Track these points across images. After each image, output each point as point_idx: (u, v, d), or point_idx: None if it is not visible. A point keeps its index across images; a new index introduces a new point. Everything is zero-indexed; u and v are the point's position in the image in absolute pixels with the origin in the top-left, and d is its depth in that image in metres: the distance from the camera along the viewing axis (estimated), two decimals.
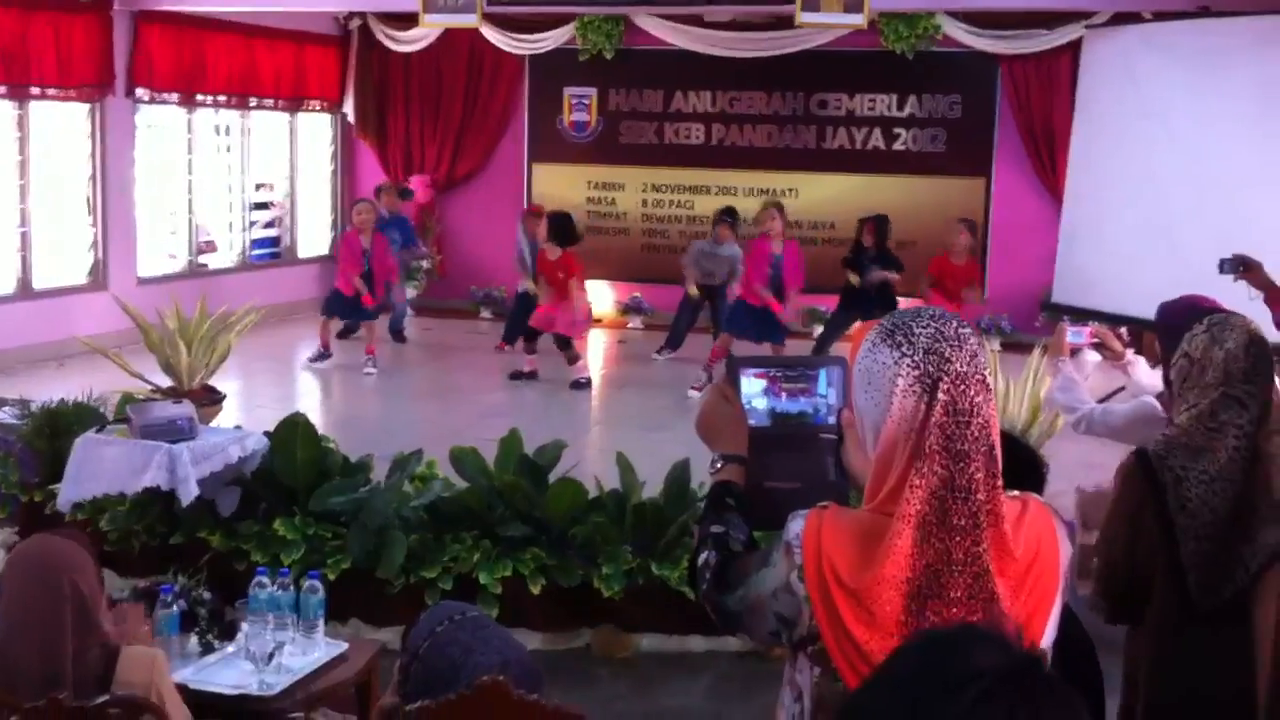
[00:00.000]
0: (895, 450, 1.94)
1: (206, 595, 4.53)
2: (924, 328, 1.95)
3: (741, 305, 10.63)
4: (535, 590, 5.76)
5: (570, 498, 5.99)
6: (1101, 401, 4.86)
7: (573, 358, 10.84)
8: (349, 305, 11.30)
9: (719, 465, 2.25)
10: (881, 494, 1.95)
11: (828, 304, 12.26)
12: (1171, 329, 4.45)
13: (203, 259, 13.40)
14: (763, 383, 2.27)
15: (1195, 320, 4.27)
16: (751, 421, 2.26)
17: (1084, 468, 7.01)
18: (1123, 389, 4.91)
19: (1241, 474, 2.95)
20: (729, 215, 11.63)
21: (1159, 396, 4.48)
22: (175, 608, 4.33)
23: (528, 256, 11.82)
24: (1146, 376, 4.80)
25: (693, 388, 10.35)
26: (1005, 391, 6.57)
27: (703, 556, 2.14)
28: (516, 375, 10.90)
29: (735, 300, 10.81)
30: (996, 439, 1.95)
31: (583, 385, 10.79)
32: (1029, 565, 1.95)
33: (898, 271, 10.92)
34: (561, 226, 10.89)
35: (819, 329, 12.67)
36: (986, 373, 1.96)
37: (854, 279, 10.93)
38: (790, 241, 10.75)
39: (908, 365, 1.94)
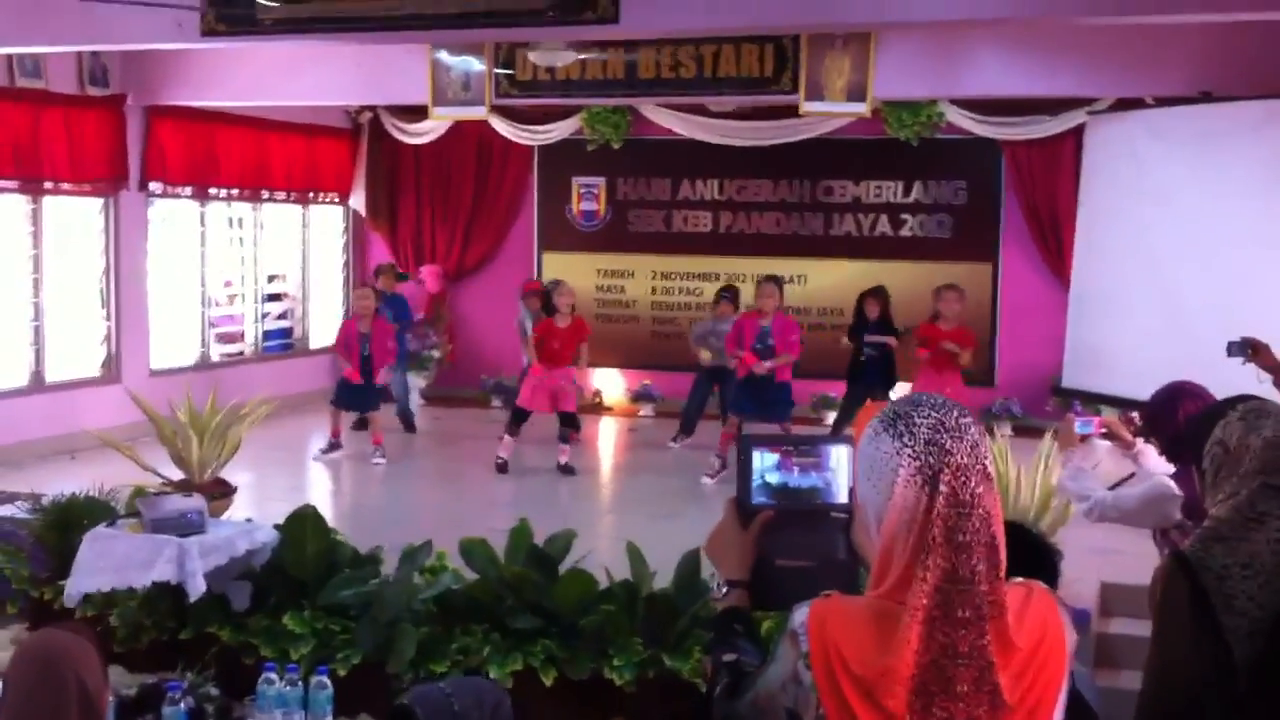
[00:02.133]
0: (898, 540, 1.96)
1: (214, 692, 4.52)
2: (925, 418, 1.98)
3: (740, 384, 10.64)
4: (547, 682, 5.72)
5: (580, 589, 5.96)
6: (1112, 488, 4.85)
7: (565, 436, 10.82)
8: (356, 395, 11.33)
9: (724, 591, 2.27)
10: (886, 583, 1.97)
11: (839, 390, 12.26)
12: (1159, 417, 4.52)
13: (219, 350, 13.49)
14: (775, 457, 2.29)
15: (1178, 405, 4.34)
16: (762, 498, 2.27)
17: (1097, 554, 6.98)
18: (1133, 475, 4.91)
19: None
20: (728, 292, 11.84)
21: (1173, 476, 4.48)
22: (183, 705, 4.31)
23: (529, 329, 11.90)
24: (1157, 464, 4.80)
25: (706, 475, 10.31)
26: (1016, 478, 6.55)
27: (719, 687, 2.15)
28: (503, 466, 10.83)
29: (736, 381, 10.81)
30: (998, 530, 1.96)
31: (568, 470, 10.71)
32: (1033, 652, 1.96)
33: (896, 338, 11.03)
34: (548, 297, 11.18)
35: (831, 414, 12.68)
36: (988, 462, 1.98)
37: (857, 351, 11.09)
38: (780, 314, 10.72)
39: (908, 456, 1.96)
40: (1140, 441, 4.86)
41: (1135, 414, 5.11)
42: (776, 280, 11.01)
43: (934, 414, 1.98)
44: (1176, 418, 4.37)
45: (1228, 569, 2.88)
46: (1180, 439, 4.36)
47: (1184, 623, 2.91)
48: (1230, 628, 2.85)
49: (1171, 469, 4.63)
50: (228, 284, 13.63)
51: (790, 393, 10.69)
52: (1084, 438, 5.02)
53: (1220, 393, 4.01)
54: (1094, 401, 10.64)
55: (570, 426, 10.92)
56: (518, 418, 10.89)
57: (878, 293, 11.31)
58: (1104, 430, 4.99)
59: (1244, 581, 2.86)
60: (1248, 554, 2.88)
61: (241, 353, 13.78)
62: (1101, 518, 4.79)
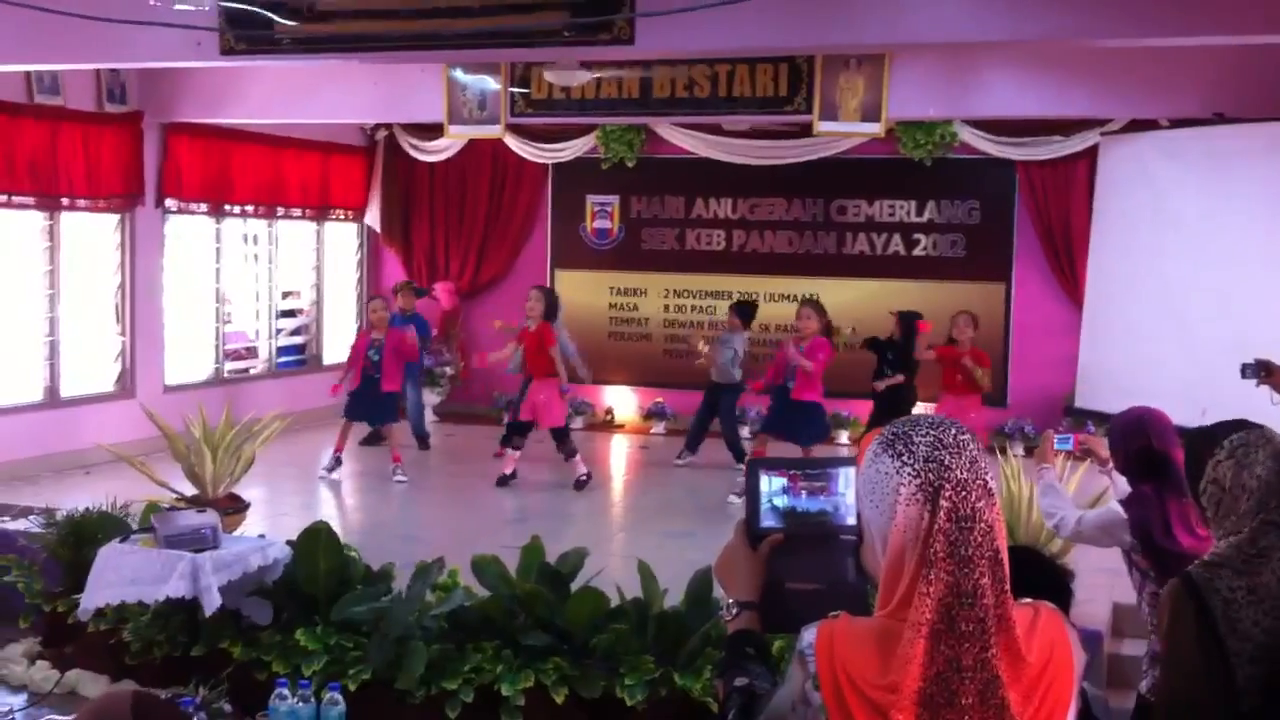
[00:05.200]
0: (903, 558, 1.97)
1: (227, 708, 4.54)
2: (923, 436, 2.00)
3: (772, 402, 10.65)
4: (558, 700, 5.72)
5: (592, 606, 5.96)
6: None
7: (570, 452, 10.84)
8: (364, 406, 11.30)
9: (735, 612, 2.26)
10: (893, 601, 1.98)
11: (850, 408, 12.25)
12: (1116, 448, 4.62)
13: (232, 366, 13.53)
14: (783, 481, 2.29)
15: (1133, 444, 4.44)
16: (770, 522, 2.27)
17: (1108, 575, 6.94)
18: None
19: None
20: (739, 308, 11.74)
21: (1122, 500, 4.57)
22: None
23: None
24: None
25: (734, 494, 10.26)
26: (1029, 498, 6.55)
27: (731, 713, 2.15)
28: (503, 481, 10.81)
29: (774, 398, 10.71)
30: (1001, 544, 1.97)
31: (584, 483, 10.77)
32: (1041, 671, 1.97)
33: (907, 376, 10.71)
34: (550, 298, 11.09)
35: (843, 433, 12.69)
36: (988, 477, 1.99)
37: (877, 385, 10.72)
38: (816, 338, 10.52)
39: (909, 474, 1.98)
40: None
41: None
42: (812, 303, 10.81)
43: (932, 432, 2.00)
44: (1130, 453, 4.53)
45: (1234, 593, 2.91)
46: (1130, 470, 4.56)
47: (1191, 643, 2.94)
48: (1234, 650, 2.87)
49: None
50: (225, 301, 13.54)
51: (819, 415, 10.59)
52: (1061, 453, 5.20)
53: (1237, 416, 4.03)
54: (1106, 422, 10.62)
55: (556, 442, 10.93)
56: (517, 430, 10.93)
57: (903, 317, 10.91)
58: (1083, 447, 5.14)
59: (1249, 607, 2.89)
60: (1252, 580, 2.91)
61: (247, 371, 13.72)
62: (1066, 535, 4.97)
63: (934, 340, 10.76)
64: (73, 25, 7.82)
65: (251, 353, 13.86)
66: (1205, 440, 3.21)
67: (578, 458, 10.86)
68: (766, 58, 10.88)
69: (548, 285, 11.90)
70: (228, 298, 13.56)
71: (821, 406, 10.64)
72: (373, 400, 11.25)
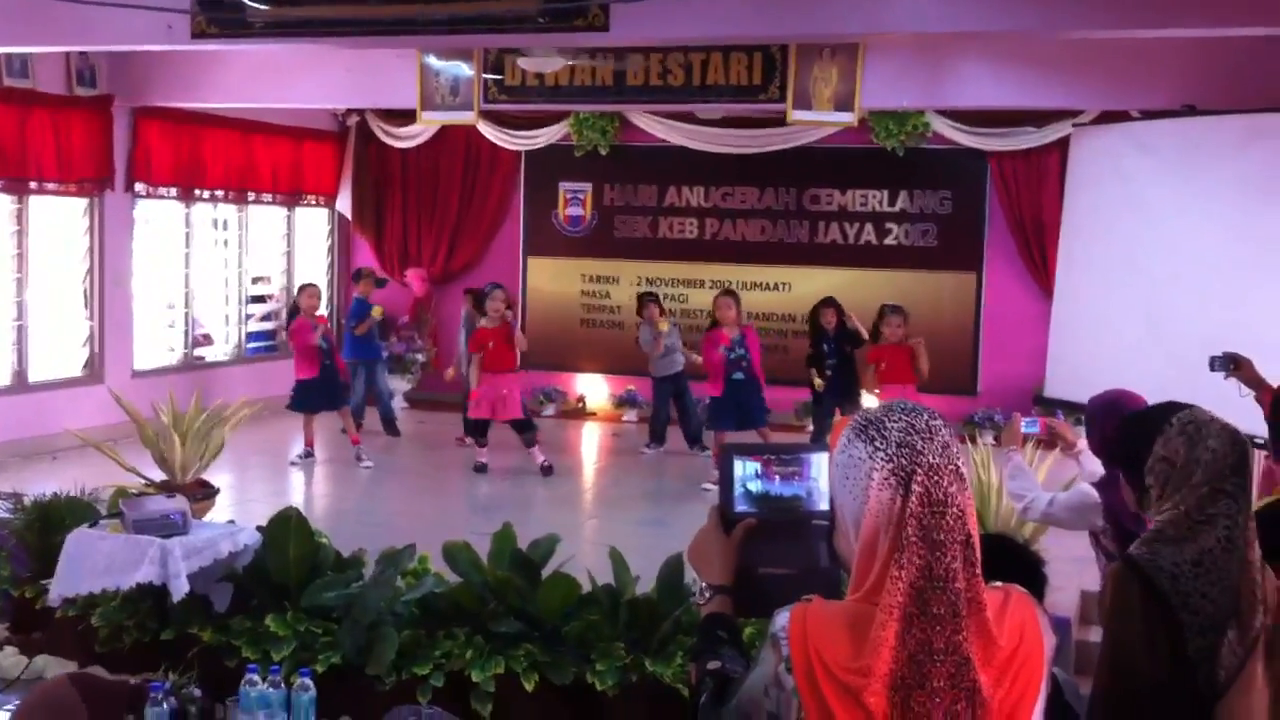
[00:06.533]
0: (876, 542, 1.98)
1: (197, 693, 4.51)
2: (895, 422, 2.01)
3: (714, 400, 10.70)
4: (528, 687, 5.72)
5: (563, 593, 5.96)
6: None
7: (531, 440, 10.90)
8: (320, 395, 11.21)
9: (708, 596, 2.27)
10: (866, 585, 1.99)
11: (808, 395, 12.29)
12: (1091, 426, 4.67)
13: (199, 352, 13.44)
14: (757, 465, 2.30)
15: (1110, 419, 4.48)
16: (744, 507, 2.28)
17: (1077, 563, 6.99)
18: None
19: (1235, 563, 2.96)
20: (651, 296, 12.09)
21: (1095, 483, 4.61)
22: (165, 705, 4.31)
23: (463, 339, 12.03)
24: (1097, 466, 4.93)
25: (709, 483, 10.27)
26: (998, 487, 6.59)
27: (705, 696, 2.16)
28: (480, 468, 10.93)
29: (709, 398, 10.87)
30: (973, 529, 1.99)
31: (549, 470, 10.81)
32: (1012, 653, 1.98)
33: (858, 344, 11.10)
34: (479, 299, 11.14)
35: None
36: (960, 463, 2.01)
37: (818, 382, 11.19)
38: (746, 327, 10.91)
39: (881, 459, 1.99)
40: (1081, 443, 5.00)
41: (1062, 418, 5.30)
42: (733, 293, 11.07)
43: (904, 418, 2.01)
44: (1106, 430, 4.53)
45: (1179, 568, 2.95)
46: (1106, 452, 4.56)
47: (1137, 622, 2.98)
48: (1187, 624, 2.92)
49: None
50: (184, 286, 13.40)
51: (760, 392, 10.71)
52: (1028, 438, 5.24)
53: (1209, 407, 4.07)
54: (1076, 412, 10.68)
55: (521, 432, 10.98)
56: (477, 429, 10.97)
57: (832, 303, 11.40)
58: (1048, 431, 5.18)
59: (1196, 580, 2.93)
60: (1196, 552, 2.96)
61: (202, 357, 13.60)
62: (1034, 518, 5.03)
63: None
64: (42, 7, 7.76)
65: (207, 339, 13.73)
66: (1146, 421, 3.22)
67: (537, 447, 10.88)
68: (740, 46, 10.87)
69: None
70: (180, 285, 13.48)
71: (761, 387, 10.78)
72: (327, 389, 11.20)
